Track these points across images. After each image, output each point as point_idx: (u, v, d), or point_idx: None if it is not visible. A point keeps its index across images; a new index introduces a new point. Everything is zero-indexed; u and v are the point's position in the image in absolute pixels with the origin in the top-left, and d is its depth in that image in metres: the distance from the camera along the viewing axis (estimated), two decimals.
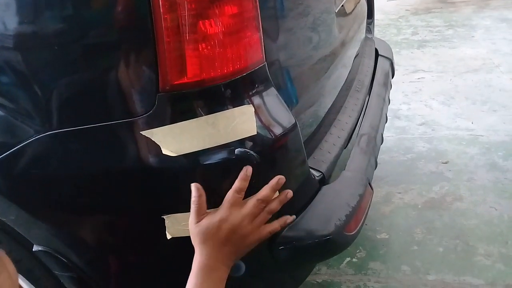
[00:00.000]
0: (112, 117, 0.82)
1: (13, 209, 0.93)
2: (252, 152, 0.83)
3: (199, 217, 0.81)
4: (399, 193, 2.03)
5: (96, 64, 0.81)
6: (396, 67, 3.45)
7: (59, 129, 0.83)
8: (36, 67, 0.83)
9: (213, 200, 0.82)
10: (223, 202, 0.82)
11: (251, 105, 0.84)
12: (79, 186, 0.87)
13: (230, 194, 0.82)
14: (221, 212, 0.81)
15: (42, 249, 0.96)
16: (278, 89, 0.93)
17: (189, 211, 0.82)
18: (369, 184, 1.14)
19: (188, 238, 0.84)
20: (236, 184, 0.81)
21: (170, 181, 0.84)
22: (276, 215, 0.89)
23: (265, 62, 0.88)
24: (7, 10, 0.81)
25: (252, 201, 0.83)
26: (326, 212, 0.98)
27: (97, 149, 0.84)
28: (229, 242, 0.81)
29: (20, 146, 0.85)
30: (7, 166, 0.88)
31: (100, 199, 0.88)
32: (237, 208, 0.82)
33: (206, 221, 0.81)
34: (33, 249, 0.96)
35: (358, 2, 1.76)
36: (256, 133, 0.84)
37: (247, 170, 0.81)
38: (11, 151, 0.86)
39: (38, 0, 0.81)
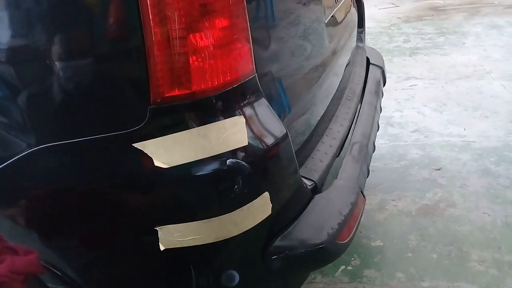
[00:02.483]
0: (104, 130, 0.82)
1: (7, 222, 0.93)
2: (243, 163, 0.84)
3: None
4: (393, 200, 2.04)
5: (87, 77, 0.82)
6: (388, 74, 3.47)
7: (51, 143, 0.83)
8: (27, 80, 0.84)
9: (205, 211, 0.83)
10: None
11: (242, 116, 0.85)
12: (71, 199, 0.88)
13: None
14: None
15: None
16: (269, 99, 0.94)
17: (183, 222, 0.82)
18: (361, 192, 1.15)
19: (182, 251, 0.84)
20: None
21: (163, 193, 0.84)
22: (270, 224, 0.90)
23: (256, 74, 0.90)
24: None
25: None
26: (318, 221, 0.98)
27: (90, 162, 0.84)
28: None
29: (13, 160, 0.85)
30: (0, 179, 0.88)
31: (92, 212, 0.88)
32: None
33: None
34: None
35: (349, 12, 1.79)
36: (247, 144, 0.84)
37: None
38: (3, 165, 0.86)
39: (28, 13, 0.82)
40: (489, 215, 1.87)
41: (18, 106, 0.85)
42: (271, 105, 0.94)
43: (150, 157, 0.81)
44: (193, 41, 0.79)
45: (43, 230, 0.93)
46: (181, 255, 0.86)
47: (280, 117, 0.97)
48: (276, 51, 1.04)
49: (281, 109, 1.05)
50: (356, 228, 1.07)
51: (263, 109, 0.91)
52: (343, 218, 1.01)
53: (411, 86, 3.38)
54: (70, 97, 0.83)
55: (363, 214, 1.14)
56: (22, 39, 0.83)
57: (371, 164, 1.41)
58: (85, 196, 0.87)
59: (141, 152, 0.80)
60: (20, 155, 0.84)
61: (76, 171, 0.85)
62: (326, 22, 1.35)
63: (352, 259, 1.72)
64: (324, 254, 0.95)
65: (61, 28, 0.81)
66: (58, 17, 0.81)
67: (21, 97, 0.84)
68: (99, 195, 0.88)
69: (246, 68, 0.88)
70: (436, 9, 5.90)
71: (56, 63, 0.81)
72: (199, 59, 0.80)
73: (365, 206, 1.16)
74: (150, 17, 0.76)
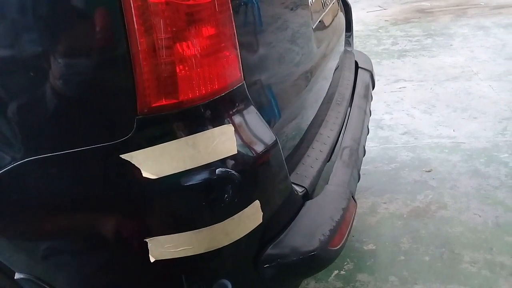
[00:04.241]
0: (91, 141, 0.81)
1: None
2: (233, 172, 0.83)
3: None
4: (384, 203, 2.05)
5: (73, 88, 0.81)
6: (377, 77, 3.49)
7: (37, 155, 0.82)
8: (11, 92, 0.82)
9: (195, 221, 0.82)
10: None
11: (231, 124, 0.85)
12: (58, 212, 0.86)
13: None
14: None
15: (24, 276, 0.94)
16: (258, 106, 0.94)
17: (172, 232, 0.81)
18: (353, 197, 1.15)
19: (173, 261, 0.83)
20: None
21: (152, 204, 0.83)
22: (261, 233, 0.90)
23: (244, 81, 0.89)
24: None
25: None
26: (310, 227, 0.98)
27: (77, 174, 0.83)
28: None
29: None
30: None
31: (80, 224, 0.87)
32: None
33: None
34: (15, 277, 0.94)
35: (336, 16, 1.79)
36: (236, 152, 0.84)
37: None
38: None
39: (13, 24, 0.80)
40: (480, 216, 1.88)
41: (3, 119, 0.83)
42: (260, 112, 0.93)
43: (138, 168, 0.80)
44: (180, 50, 0.78)
45: (30, 243, 0.92)
46: (172, 266, 0.85)
47: (269, 124, 0.97)
48: (264, 57, 1.04)
49: (271, 116, 1.04)
50: (348, 234, 1.07)
51: (252, 116, 0.90)
52: (334, 224, 1.00)
53: (400, 88, 3.40)
54: (56, 109, 0.82)
55: (355, 218, 1.14)
56: (6, 50, 0.82)
57: (362, 167, 1.41)
58: (71, 208, 0.86)
59: (129, 163, 0.79)
60: (5, 168, 0.83)
61: (63, 184, 0.84)
62: (314, 27, 1.35)
63: (345, 263, 1.71)
64: (316, 261, 0.95)
65: (46, 39, 0.80)
66: (42, 28, 0.80)
67: (4, 110, 0.82)
68: (87, 207, 0.86)
69: (233, 76, 0.87)
70: (423, 11, 5.95)
71: (41, 74, 0.80)
72: (186, 68, 0.79)
73: (357, 210, 1.15)
74: (136, 27, 0.75)
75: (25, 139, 0.83)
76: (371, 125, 2.69)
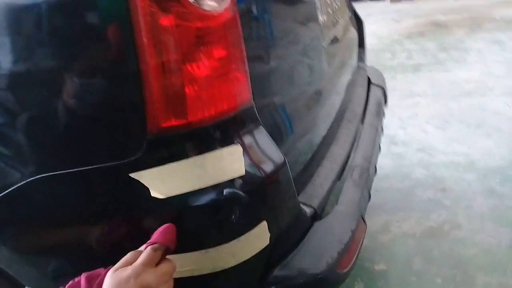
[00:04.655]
0: (100, 160, 0.82)
1: (4, 251, 0.93)
2: (240, 192, 0.83)
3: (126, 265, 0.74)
4: (397, 221, 2.02)
5: (84, 107, 0.82)
6: (392, 91, 3.48)
7: (47, 173, 0.83)
8: (22, 110, 0.84)
9: (202, 242, 0.81)
10: (139, 258, 0.74)
11: (239, 145, 0.85)
12: (68, 230, 0.87)
13: (147, 251, 0.75)
14: (134, 268, 0.73)
15: None
16: (268, 126, 0.94)
17: (179, 252, 0.81)
18: (362, 218, 1.13)
19: (178, 281, 0.83)
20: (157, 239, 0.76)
21: (159, 223, 0.83)
22: (268, 254, 0.89)
23: (253, 102, 0.89)
24: None
25: (168, 262, 0.77)
26: (317, 249, 0.97)
27: (86, 192, 0.84)
28: None
29: (9, 191, 0.85)
30: None
31: (89, 242, 0.87)
32: (151, 266, 0.74)
33: (119, 274, 0.72)
34: None
35: (348, 32, 1.79)
36: (244, 173, 0.84)
37: (170, 228, 0.77)
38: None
39: (26, 40, 0.82)
40: (494, 238, 1.84)
41: (14, 136, 0.84)
42: (269, 132, 0.93)
43: (147, 188, 0.80)
44: (189, 71, 0.78)
45: (39, 258, 0.93)
46: (178, 286, 0.85)
47: (279, 144, 0.96)
48: (273, 77, 1.04)
49: (280, 136, 1.04)
50: (357, 256, 1.05)
51: (260, 137, 0.90)
52: (343, 247, 0.99)
53: (414, 103, 3.38)
54: (67, 127, 0.83)
55: (366, 237, 1.12)
56: (18, 66, 0.83)
57: (375, 183, 1.40)
58: (80, 226, 0.86)
59: (138, 182, 0.80)
60: (16, 185, 0.84)
61: (72, 201, 0.85)
62: (324, 45, 1.35)
63: (356, 283, 1.69)
64: (323, 284, 0.93)
65: (57, 57, 0.81)
66: (54, 46, 0.81)
67: (16, 127, 0.84)
68: (95, 225, 0.87)
69: (243, 96, 0.87)
70: (438, 25, 5.93)
71: (53, 92, 0.81)
72: (196, 89, 0.80)
73: (367, 229, 1.14)
74: (146, 48, 0.76)
75: (36, 156, 0.84)
76: (384, 141, 2.67)
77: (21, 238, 0.92)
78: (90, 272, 0.78)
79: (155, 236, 0.77)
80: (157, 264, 0.75)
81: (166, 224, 0.78)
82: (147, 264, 0.73)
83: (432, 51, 4.69)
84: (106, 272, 0.75)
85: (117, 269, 0.74)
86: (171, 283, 0.77)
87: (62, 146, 0.83)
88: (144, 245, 0.76)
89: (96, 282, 0.77)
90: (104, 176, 0.82)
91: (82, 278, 0.78)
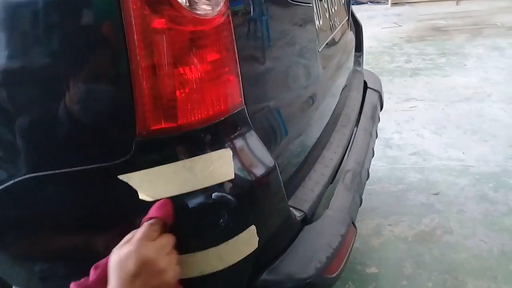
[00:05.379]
0: (89, 161, 0.82)
1: None
2: (229, 196, 0.83)
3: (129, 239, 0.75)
4: (390, 225, 2.03)
5: (74, 107, 0.82)
6: (389, 95, 3.48)
7: (35, 173, 0.83)
8: (10, 109, 0.83)
9: (189, 245, 0.82)
10: (137, 233, 0.75)
11: (229, 149, 0.85)
12: (55, 230, 0.87)
13: (145, 225, 0.76)
14: (132, 243, 0.74)
15: None
16: (259, 130, 0.94)
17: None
18: (353, 223, 1.14)
19: None
20: (153, 214, 0.77)
21: None
22: (256, 258, 0.89)
23: (244, 105, 0.89)
24: None
25: (167, 235, 0.78)
26: (306, 254, 0.97)
27: (74, 193, 0.84)
28: (139, 277, 0.72)
29: None
30: None
31: (77, 243, 0.87)
32: (150, 241, 0.75)
33: (119, 251, 0.74)
34: None
35: (345, 36, 1.79)
36: (233, 177, 0.84)
37: (166, 202, 0.77)
38: None
39: (18, 38, 0.82)
40: (485, 243, 1.85)
41: (0, 136, 0.84)
42: (261, 136, 0.93)
43: (135, 190, 0.80)
44: (180, 75, 0.78)
45: (27, 259, 0.93)
46: None
47: (270, 147, 0.97)
48: (265, 81, 1.04)
49: (272, 139, 1.04)
50: (346, 261, 1.06)
51: (251, 141, 0.90)
52: (332, 251, 0.99)
53: (411, 107, 3.38)
54: (57, 127, 0.83)
55: (358, 240, 1.12)
56: (4, 66, 0.82)
57: (368, 187, 1.41)
58: (68, 227, 0.86)
59: (126, 184, 0.80)
60: (3, 185, 0.84)
61: (60, 202, 0.85)
62: (320, 50, 1.35)
63: (347, 286, 1.69)
64: None
65: (47, 58, 0.81)
66: (44, 47, 0.81)
67: (2, 127, 0.84)
68: (84, 226, 0.87)
69: (234, 100, 0.87)
70: (439, 29, 5.93)
71: (41, 93, 0.81)
72: (186, 92, 0.80)
73: (359, 232, 1.14)
74: (137, 51, 0.76)
75: (24, 156, 0.84)
76: (379, 144, 2.68)
77: (8, 239, 0.92)
78: (98, 262, 0.79)
79: (152, 211, 0.78)
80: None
81: (162, 199, 0.79)
82: (145, 238, 0.74)
83: (431, 56, 4.69)
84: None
85: (118, 248, 0.75)
86: (174, 256, 0.78)
87: (50, 146, 0.83)
88: (142, 221, 0.77)
89: (102, 265, 0.77)
90: (92, 178, 0.82)
91: (92, 270, 0.78)
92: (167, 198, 0.79)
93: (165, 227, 0.78)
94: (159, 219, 0.77)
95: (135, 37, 0.75)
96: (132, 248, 0.73)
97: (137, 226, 0.83)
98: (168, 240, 0.78)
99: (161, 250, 0.75)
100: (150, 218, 0.77)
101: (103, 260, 0.78)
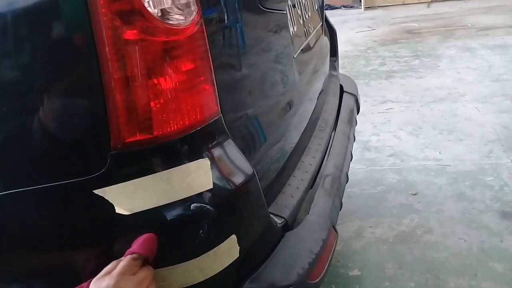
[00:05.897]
0: (65, 176, 0.80)
1: None
2: (208, 206, 0.82)
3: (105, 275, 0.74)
4: (370, 227, 2.04)
5: (47, 122, 0.80)
6: (365, 98, 3.52)
7: (12, 190, 0.81)
8: None
9: (169, 258, 0.80)
10: (118, 266, 0.74)
11: (206, 158, 0.84)
12: (30, 248, 0.84)
13: (127, 259, 0.75)
14: (112, 277, 0.73)
15: None
16: (237, 138, 0.93)
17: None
18: (334, 227, 1.14)
19: None
20: (136, 249, 0.76)
21: (125, 240, 0.82)
22: (238, 268, 0.88)
23: (221, 114, 0.89)
24: None
25: (146, 269, 0.77)
26: (288, 260, 0.97)
27: (49, 210, 0.82)
28: None
29: None
30: None
31: (54, 259, 0.85)
32: (130, 275, 0.74)
33: (98, 283, 0.73)
34: None
35: (320, 42, 1.81)
36: (212, 187, 0.83)
37: (150, 238, 0.77)
38: None
39: None
40: (465, 241, 1.88)
41: None
42: (239, 144, 0.93)
43: (112, 204, 0.78)
44: (154, 86, 0.78)
45: (4, 276, 0.90)
46: None
47: (249, 155, 0.96)
48: (241, 89, 1.04)
49: (250, 147, 1.04)
50: (328, 266, 1.06)
51: (229, 149, 0.90)
52: (313, 257, 0.99)
53: (387, 109, 3.43)
54: (31, 142, 0.81)
55: (339, 243, 1.13)
56: None
57: (348, 190, 1.41)
58: (45, 243, 0.84)
59: (102, 199, 0.78)
60: None
61: (36, 220, 0.83)
62: (295, 56, 1.36)
63: None
64: None
65: (18, 71, 0.79)
66: (14, 59, 0.79)
67: None
68: (61, 242, 0.85)
69: (210, 109, 0.87)
70: (411, 32, 6.05)
71: (11, 107, 0.79)
72: (161, 103, 0.79)
73: (341, 235, 1.15)
74: (109, 62, 0.75)
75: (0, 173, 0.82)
76: (358, 147, 2.71)
77: None
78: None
79: (135, 245, 0.77)
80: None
81: (147, 234, 0.78)
82: (125, 273, 0.74)
83: (405, 58, 4.78)
84: (89, 284, 0.75)
85: (98, 279, 0.74)
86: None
87: (23, 162, 0.81)
88: (126, 253, 0.77)
89: None
90: (67, 193, 0.81)
91: None
92: (152, 233, 0.78)
93: (146, 261, 0.77)
94: (141, 255, 0.76)
95: (107, 49, 0.74)
96: (112, 282, 0.72)
97: (115, 242, 0.82)
98: (147, 273, 0.77)
99: (140, 285, 0.74)
100: (132, 252, 0.76)
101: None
